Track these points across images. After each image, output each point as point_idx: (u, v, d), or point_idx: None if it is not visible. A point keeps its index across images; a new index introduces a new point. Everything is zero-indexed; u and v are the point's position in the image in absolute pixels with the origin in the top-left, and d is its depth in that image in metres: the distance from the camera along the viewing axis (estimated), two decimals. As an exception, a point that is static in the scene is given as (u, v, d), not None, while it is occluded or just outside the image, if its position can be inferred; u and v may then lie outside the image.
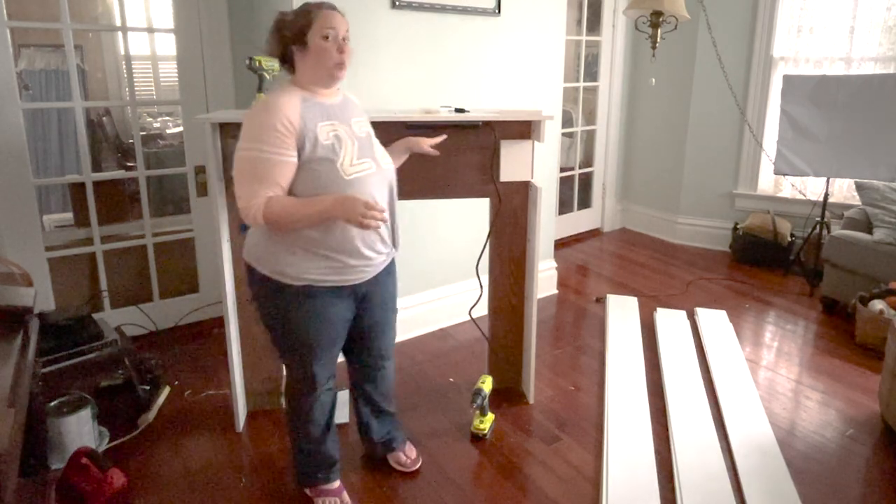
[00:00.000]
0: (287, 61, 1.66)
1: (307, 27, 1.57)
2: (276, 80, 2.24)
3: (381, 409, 2.07)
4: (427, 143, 1.99)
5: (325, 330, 1.71)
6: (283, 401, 2.47)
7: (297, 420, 1.86)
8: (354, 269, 1.68)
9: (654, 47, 3.59)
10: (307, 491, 1.96)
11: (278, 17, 1.63)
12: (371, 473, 2.10)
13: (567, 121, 4.66)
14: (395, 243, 1.78)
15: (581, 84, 4.68)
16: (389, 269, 1.85)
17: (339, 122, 1.64)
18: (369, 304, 1.82)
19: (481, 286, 2.49)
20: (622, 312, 3.35)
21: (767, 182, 4.38)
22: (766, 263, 4.15)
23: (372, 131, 1.77)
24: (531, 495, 2.00)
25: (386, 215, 1.65)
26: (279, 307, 1.68)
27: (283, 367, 1.93)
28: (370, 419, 2.07)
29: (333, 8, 1.62)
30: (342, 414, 2.35)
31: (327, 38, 1.57)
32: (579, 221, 4.95)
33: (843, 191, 4.10)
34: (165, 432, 2.32)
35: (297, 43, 1.59)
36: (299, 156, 1.55)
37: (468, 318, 3.17)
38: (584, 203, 4.98)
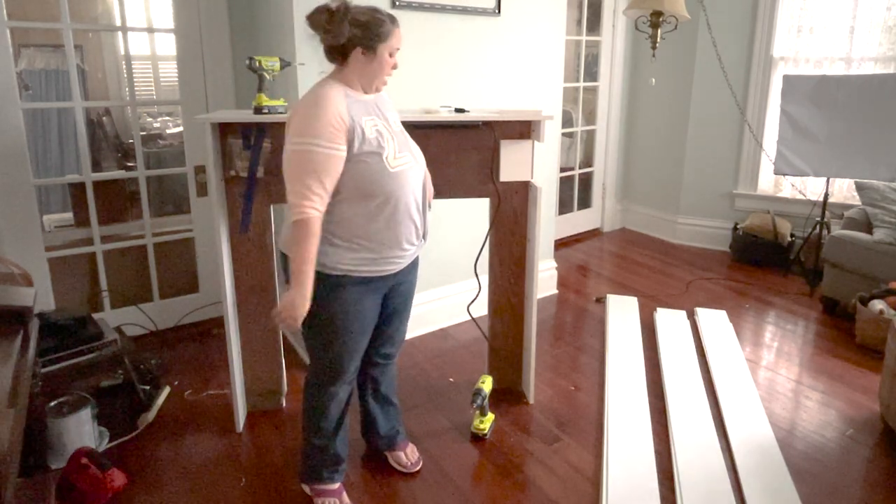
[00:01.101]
0: (338, 54, 1.64)
1: (382, 40, 1.61)
2: (276, 80, 2.24)
3: (388, 402, 2.09)
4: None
5: (355, 320, 1.74)
6: (283, 401, 2.48)
7: (312, 412, 1.88)
8: (389, 261, 1.72)
9: (654, 47, 3.59)
10: (306, 489, 1.96)
11: (342, 8, 1.58)
12: (371, 473, 2.10)
13: (567, 121, 4.66)
14: (425, 235, 1.83)
15: (581, 84, 4.68)
16: (414, 263, 1.89)
17: (377, 118, 1.68)
18: (393, 294, 1.87)
19: (479, 285, 2.50)
20: (622, 312, 3.35)
21: (767, 182, 4.38)
22: (766, 263, 4.15)
23: (402, 127, 1.81)
24: (531, 495, 2.00)
25: (421, 208, 1.75)
26: (314, 296, 1.69)
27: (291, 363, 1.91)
28: (377, 413, 2.09)
29: (398, 25, 1.66)
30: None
31: (392, 55, 1.65)
32: (579, 221, 4.95)
33: (843, 191, 4.10)
34: (165, 432, 2.32)
35: (366, 47, 1.61)
36: (349, 150, 1.59)
37: (468, 317, 3.17)
38: (584, 203, 4.98)
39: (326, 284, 1.68)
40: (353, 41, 1.60)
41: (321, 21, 1.59)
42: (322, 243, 1.64)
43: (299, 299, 1.58)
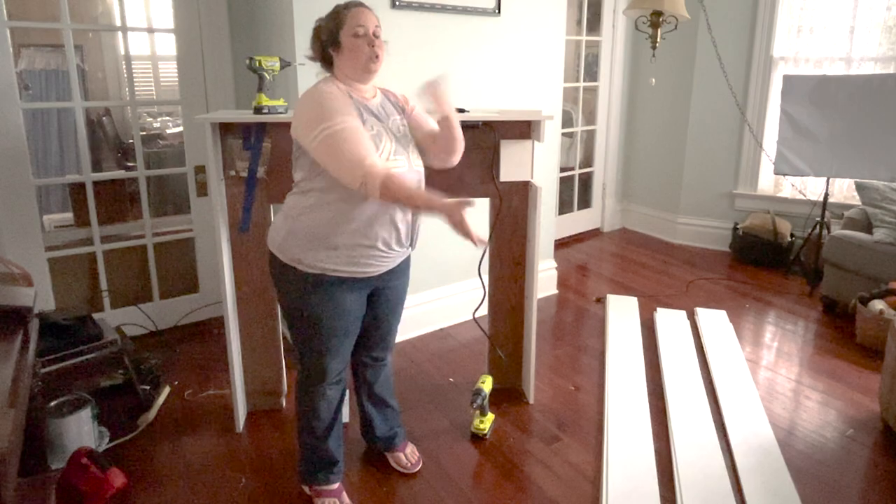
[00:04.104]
0: (327, 62, 1.71)
1: (338, 28, 1.63)
2: (276, 80, 2.24)
3: (385, 404, 2.09)
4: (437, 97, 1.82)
5: (336, 319, 1.74)
6: (283, 401, 2.48)
7: (303, 413, 1.88)
8: (369, 262, 1.70)
9: (654, 47, 3.59)
10: (306, 489, 1.96)
11: (316, 24, 1.71)
12: (371, 473, 2.10)
13: (567, 121, 4.66)
14: (412, 242, 1.81)
15: (581, 84, 4.68)
16: (403, 267, 1.88)
17: (377, 120, 1.68)
18: (380, 298, 1.86)
19: (484, 287, 2.49)
20: (622, 312, 3.35)
21: (767, 182, 4.38)
22: (766, 263, 4.15)
23: (408, 131, 1.79)
24: (531, 495, 2.00)
25: (410, 214, 1.73)
26: (295, 294, 1.72)
27: (284, 365, 1.91)
28: (374, 415, 2.09)
29: (361, 5, 1.66)
30: (344, 413, 2.35)
31: (357, 35, 1.62)
32: (579, 221, 4.95)
33: (843, 191, 4.10)
34: (165, 432, 2.32)
35: (332, 45, 1.65)
36: None
37: (468, 318, 3.18)
38: (584, 203, 4.98)
39: (304, 281, 1.68)
40: (325, 47, 1.67)
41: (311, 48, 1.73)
42: (302, 241, 1.66)
43: (443, 208, 1.48)
